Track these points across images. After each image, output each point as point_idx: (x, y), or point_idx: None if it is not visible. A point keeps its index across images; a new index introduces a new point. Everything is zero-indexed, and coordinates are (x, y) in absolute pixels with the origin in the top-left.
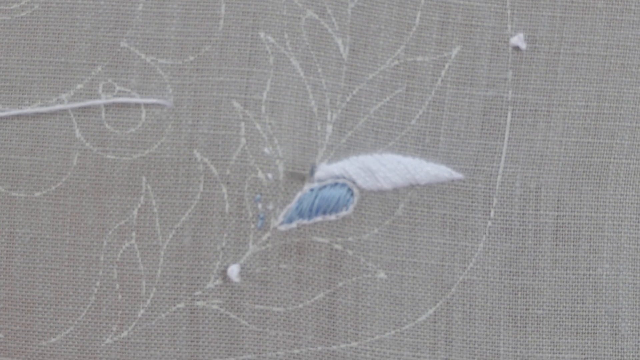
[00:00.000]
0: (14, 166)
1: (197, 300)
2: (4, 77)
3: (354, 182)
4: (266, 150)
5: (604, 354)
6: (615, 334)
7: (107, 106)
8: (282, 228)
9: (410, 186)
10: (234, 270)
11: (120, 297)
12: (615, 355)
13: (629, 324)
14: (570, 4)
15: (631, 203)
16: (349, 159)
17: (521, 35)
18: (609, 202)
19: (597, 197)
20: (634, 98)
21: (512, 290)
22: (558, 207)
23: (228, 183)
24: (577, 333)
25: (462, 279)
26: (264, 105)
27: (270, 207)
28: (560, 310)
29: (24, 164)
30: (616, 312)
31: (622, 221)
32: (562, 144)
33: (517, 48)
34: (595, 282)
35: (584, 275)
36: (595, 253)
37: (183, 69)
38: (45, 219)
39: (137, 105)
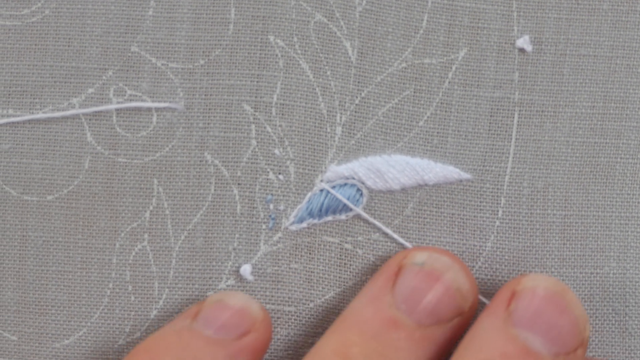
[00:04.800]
0: (26, 170)
1: None
2: (15, 82)
3: (363, 183)
4: (277, 151)
5: (612, 352)
6: (623, 332)
7: (118, 110)
8: (293, 228)
9: (419, 186)
10: (246, 270)
11: (133, 298)
12: (623, 352)
13: (637, 322)
14: (575, 5)
15: (638, 202)
16: (358, 160)
17: (527, 37)
18: (616, 201)
19: (604, 197)
20: (639, 98)
21: None
22: (565, 207)
23: (239, 184)
24: None
25: None
26: (274, 107)
27: (282, 207)
28: None
29: (36, 168)
30: (624, 310)
31: (629, 220)
32: (569, 144)
33: (523, 50)
34: (602, 281)
35: (591, 273)
36: (603, 252)
37: (194, 72)
38: (58, 222)
39: (149, 109)
